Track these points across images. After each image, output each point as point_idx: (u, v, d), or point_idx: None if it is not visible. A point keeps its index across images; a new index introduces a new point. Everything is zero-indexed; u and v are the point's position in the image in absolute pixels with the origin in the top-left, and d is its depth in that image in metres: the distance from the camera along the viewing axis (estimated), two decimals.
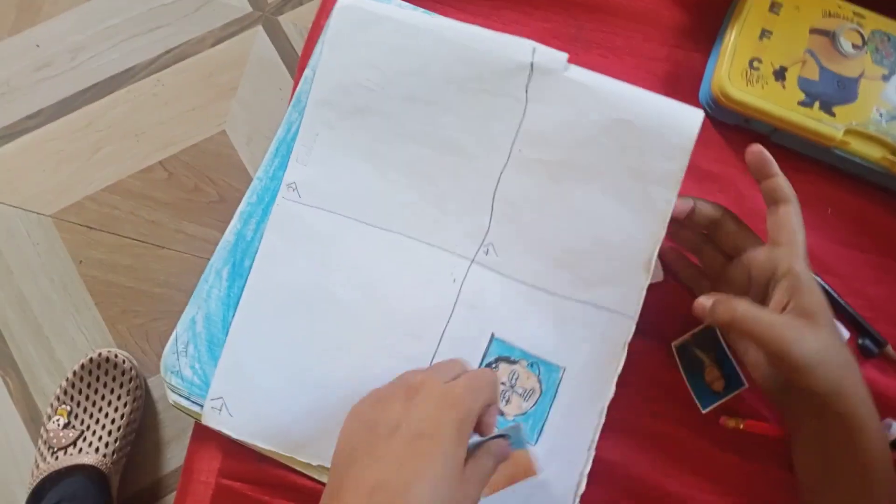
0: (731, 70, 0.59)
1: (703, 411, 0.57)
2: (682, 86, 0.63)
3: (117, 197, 1.22)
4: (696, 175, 0.60)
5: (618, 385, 0.54)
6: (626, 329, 0.55)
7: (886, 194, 0.61)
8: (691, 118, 0.54)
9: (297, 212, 0.59)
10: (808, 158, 0.61)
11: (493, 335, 0.57)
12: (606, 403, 0.54)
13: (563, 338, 0.56)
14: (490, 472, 0.47)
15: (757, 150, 0.51)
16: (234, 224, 0.60)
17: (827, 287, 0.59)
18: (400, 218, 0.58)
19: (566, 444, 0.55)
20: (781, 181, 0.51)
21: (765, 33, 0.60)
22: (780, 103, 0.58)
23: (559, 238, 0.56)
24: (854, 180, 0.61)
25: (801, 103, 0.58)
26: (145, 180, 1.23)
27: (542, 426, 0.56)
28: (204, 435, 0.59)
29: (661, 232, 0.55)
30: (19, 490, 1.14)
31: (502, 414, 0.56)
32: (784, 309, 0.49)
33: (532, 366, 0.56)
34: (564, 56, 0.56)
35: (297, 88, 0.61)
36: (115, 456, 1.05)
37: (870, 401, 0.48)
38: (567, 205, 0.56)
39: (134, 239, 1.20)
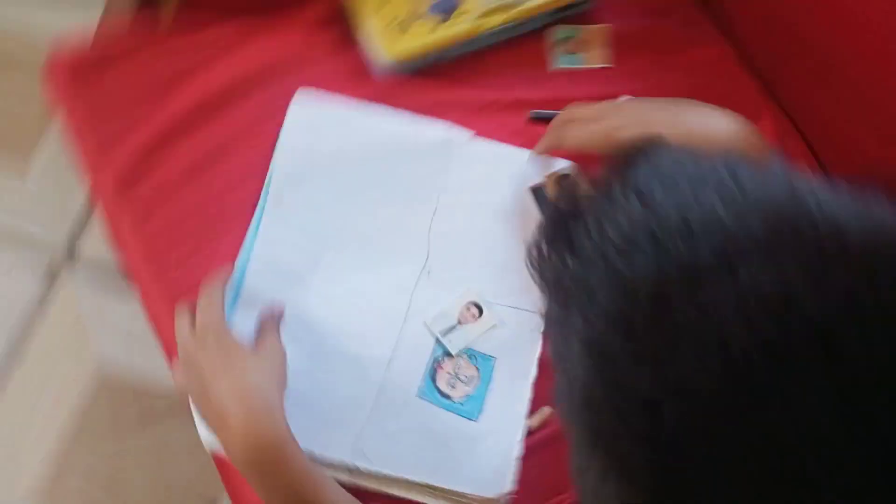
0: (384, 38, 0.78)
1: None
2: None
3: None
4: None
5: None
6: (540, 322, 0.65)
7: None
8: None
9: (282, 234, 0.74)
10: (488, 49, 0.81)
11: (437, 338, 0.70)
12: (532, 381, 0.69)
13: (493, 334, 0.71)
14: (276, 339, 0.64)
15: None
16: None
17: None
18: (360, 257, 0.74)
19: (503, 417, 0.68)
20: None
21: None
22: (439, 31, 0.78)
23: (481, 258, 0.74)
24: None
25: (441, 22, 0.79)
26: None
27: (482, 405, 0.68)
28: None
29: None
30: None
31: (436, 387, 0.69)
32: None
33: (471, 357, 0.70)
34: (470, 132, 0.77)
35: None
36: None
37: None
38: (481, 233, 0.74)
39: None
